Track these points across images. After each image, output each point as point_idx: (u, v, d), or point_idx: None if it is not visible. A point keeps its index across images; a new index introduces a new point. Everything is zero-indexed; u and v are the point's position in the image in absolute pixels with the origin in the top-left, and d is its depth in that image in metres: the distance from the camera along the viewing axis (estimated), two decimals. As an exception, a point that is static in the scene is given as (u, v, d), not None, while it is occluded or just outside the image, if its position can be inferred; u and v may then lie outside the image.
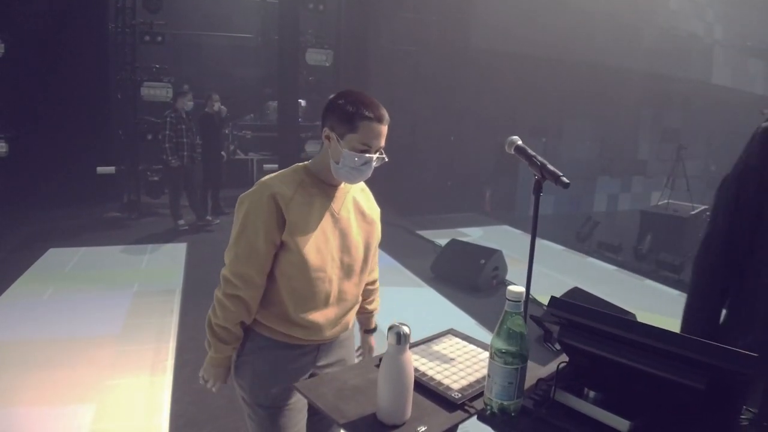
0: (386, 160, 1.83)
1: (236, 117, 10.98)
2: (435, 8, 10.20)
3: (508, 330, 1.35)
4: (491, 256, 6.00)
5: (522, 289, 1.35)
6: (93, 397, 3.58)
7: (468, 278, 5.95)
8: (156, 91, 8.97)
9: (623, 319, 1.33)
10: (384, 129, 1.78)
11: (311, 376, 1.93)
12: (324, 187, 1.85)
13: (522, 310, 1.36)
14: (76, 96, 8.80)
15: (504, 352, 1.35)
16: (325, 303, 1.87)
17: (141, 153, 9.27)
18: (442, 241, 7.16)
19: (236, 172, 10.33)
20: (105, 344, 4.36)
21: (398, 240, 7.97)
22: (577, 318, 1.38)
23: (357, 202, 1.98)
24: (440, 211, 9.84)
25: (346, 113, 1.73)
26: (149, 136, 8.90)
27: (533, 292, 5.88)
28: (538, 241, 7.41)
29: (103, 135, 9.34)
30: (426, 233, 8.34)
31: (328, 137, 1.78)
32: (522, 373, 1.37)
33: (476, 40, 10.20)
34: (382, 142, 1.80)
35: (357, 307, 2.09)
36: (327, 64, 9.88)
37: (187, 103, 7.77)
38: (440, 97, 9.99)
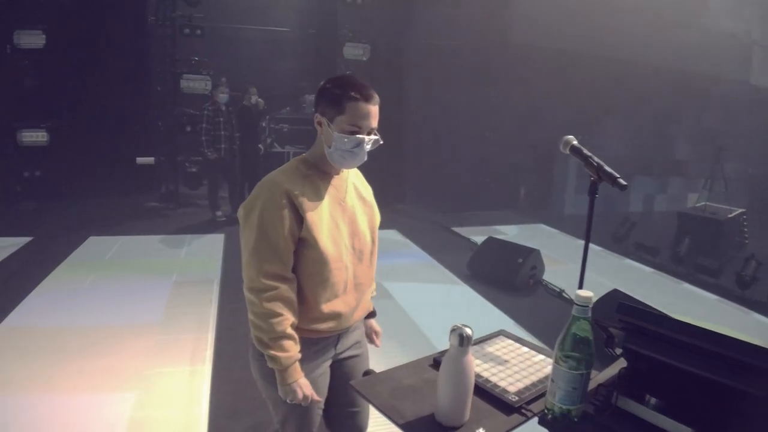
0: (381, 142, 1.82)
1: (273, 110, 11.03)
2: (473, 2, 10.10)
3: (574, 335, 1.33)
4: (529, 255, 5.92)
5: (590, 293, 1.32)
6: (133, 386, 3.62)
7: (505, 277, 5.88)
8: (195, 83, 9.07)
9: (692, 327, 1.30)
10: (373, 109, 1.78)
11: (333, 363, 2.00)
12: (327, 177, 1.87)
13: (589, 314, 1.33)
14: (117, 87, 8.93)
15: (570, 357, 1.33)
16: (345, 291, 1.90)
17: (180, 144, 9.40)
18: (478, 239, 7.09)
19: (272, 164, 10.36)
20: (145, 333, 4.41)
21: (433, 236, 7.93)
22: (646, 324, 1.35)
23: (356, 187, 2.00)
24: (475, 207, 9.75)
25: (333, 96, 1.75)
26: (188, 128, 8.98)
27: (570, 292, 5.78)
28: (574, 241, 7.33)
29: (142, 126, 9.48)
30: (461, 230, 8.27)
31: (320, 123, 1.79)
32: (586, 378, 1.35)
33: (514, 35, 10.10)
34: (373, 123, 1.79)
35: (371, 289, 2.11)
36: (364, 59, 9.85)
37: (220, 95, 7.82)
38: (476, 93, 9.91)
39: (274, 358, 1.78)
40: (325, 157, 1.83)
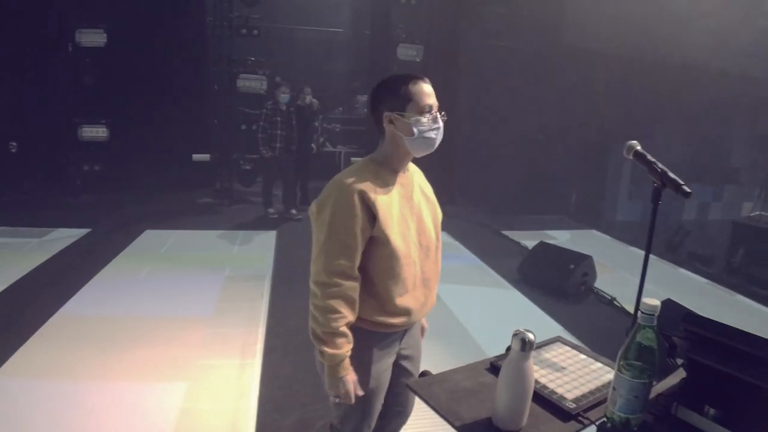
0: (446, 117, 1.90)
1: (326, 110, 11.14)
2: (528, 4, 9.99)
3: (639, 343, 1.30)
4: (581, 262, 5.80)
5: (657, 302, 1.29)
6: (184, 376, 3.69)
7: (556, 283, 5.78)
8: (251, 83, 9.24)
9: (759, 338, 1.28)
10: (429, 86, 1.87)
11: (396, 360, 2.06)
12: (395, 176, 1.91)
13: (655, 323, 1.30)
14: (175, 86, 9.19)
15: (633, 366, 1.30)
16: (414, 287, 1.93)
17: (235, 142, 9.60)
18: (529, 243, 7.01)
19: (324, 164, 10.46)
20: (197, 325, 4.50)
21: (483, 239, 7.87)
22: (714, 335, 1.33)
23: (420, 186, 2.04)
24: (526, 211, 9.63)
25: (396, 89, 1.84)
26: (243, 127, 9.19)
27: (622, 300, 5.63)
28: (626, 248, 7.12)
29: (199, 124, 9.72)
30: (512, 234, 8.17)
31: (390, 120, 1.84)
32: (648, 387, 1.33)
33: (568, 38, 9.93)
34: (435, 100, 1.86)
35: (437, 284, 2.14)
36: (417, 60, 9.84)
37: (282, 95, 7.87)
38: (530, 95, 9.77)
39: (324, 353, 1.81)
40: (395, 156, 1.90)
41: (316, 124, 9.51)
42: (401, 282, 1.89)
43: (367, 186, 1.80)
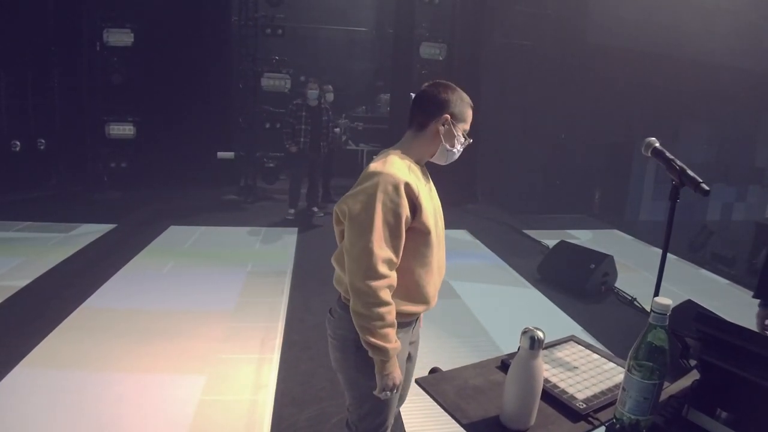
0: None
1: (348, 108, 11.19)
2: (551, 3, 9.92)
3: (650, 343, 1.30)
4: (602, 261, 5.75)
5: (669, 301, 1.28)
6: (204, 369, 3.74)
7: (576, 282, 5.73)
8: (275, 81, 9.33)
9: None
10: None
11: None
12: (419, 169, 1.98)
13: (667, 323, 1.30)
14: (200, 85, 9.31)
15: (643, 366, 1.30)
16: (435, 273, 1.99)
17: (259, 140, 9.68)
18: (550, 242, 6.95)
19: (346, 162, 10.50)
20: (218, 319, 4.56)
21: (504, 238, 7.83)
22: (725, 335, 1.31)
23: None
24: (548, 210, 9.54)
25: (463, 103, 1.98)
26: (267, 125, 9.25)
27: (643, 301, 5.54)
28: (649, 249, 7.04)
29: (224, 122, 9.83)
30: (533, 233, 8.12)
31: (444, 124, 1.93)
32: (659, 388, 1.32)
33: (592, 36, 9.81)
34: None
35: None
36: (440, 58, 9.82)
37: (309, 92, 7.81)
38: (552, 94, 9.70)
39: (381, 348, 1.79)
40: (425, 153, 2.00)
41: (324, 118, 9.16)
42: (429, 269, 1.94)
43: (410, 178, 1.84)
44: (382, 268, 1.76)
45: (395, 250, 1.80)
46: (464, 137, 1.99)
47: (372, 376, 1.86)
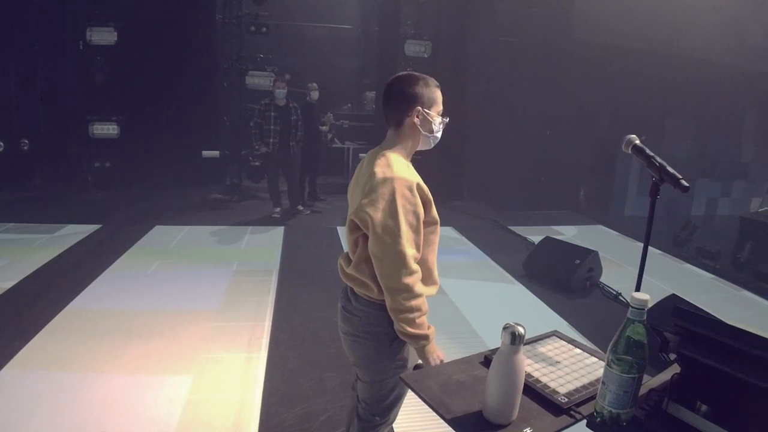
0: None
1: (335, 107, 11.18)
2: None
3: (628, 338, 1.31)
4: (587, 257, 5.80)
5: (647, 296, 1.30)
6: (190, 369, 3.74)
7: (561, 278, 5.78)
8: (260, 79, 9.32)
9: (749, 334, 1.27)
10: None
11: None
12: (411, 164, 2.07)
13: (645, 318, 1.32)
14: (185, 83, 9.26)
15: (622, 360, 1.31)
16: (436, 256, 2.11)
17: (244, 139, 9.62)
18: (535, 238, 7.00)
19: (333, 160, 10.50)
20: (204, 318, 4.55)
21: (490, 234, 7.87)
22: (702, 330, 1.32)
23: None
24: (533, 207, 9.61)
25: (429, 89, 2.01)
26: (251, 123, 9.22)
27: (627, 295, 5.60)
28: (634, 244, 7.13)
29: (209, 121, 9.80)
30: (518, 229, 8.17)
31: (418, 116, 2.00)
32: (638, 382, 1.34)
33: (577, 33, 9.86)
34: None
35: None
36: (425, 56, 9.84)
37: (277, 91, 7.68)
38: (538, 90, 9.75)
39: (421, 336, 1.92)
40: (411, 147, 2.07)
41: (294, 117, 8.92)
42: (435, 254, 2.08)
43: (417, 178, 1.95)
44: (413, 265, 1.88)
45: (417, 246, 1.92)
46: (440, 118, 2.06)
47: (402, 365, 2.03)
